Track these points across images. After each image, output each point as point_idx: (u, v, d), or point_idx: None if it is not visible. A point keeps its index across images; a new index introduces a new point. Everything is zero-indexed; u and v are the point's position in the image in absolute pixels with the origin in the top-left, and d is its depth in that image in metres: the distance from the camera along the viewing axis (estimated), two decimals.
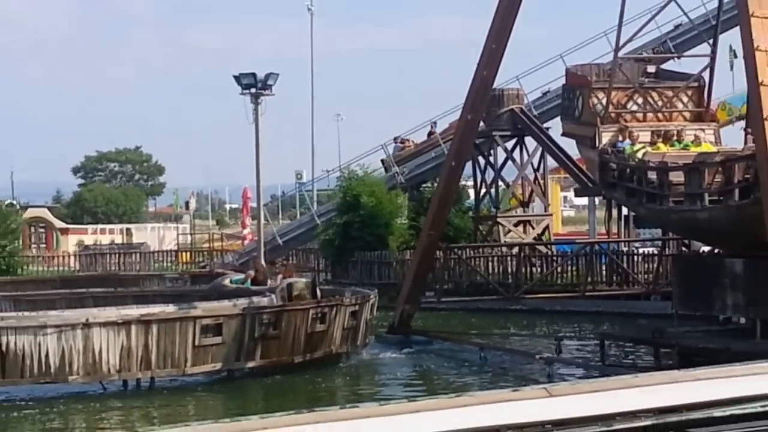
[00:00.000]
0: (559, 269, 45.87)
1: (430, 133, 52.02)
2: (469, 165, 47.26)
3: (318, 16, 67.67)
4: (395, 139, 55.42)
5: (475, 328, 37.34)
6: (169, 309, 28.57)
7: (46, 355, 25.84)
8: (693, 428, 8.63)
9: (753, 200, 23.46)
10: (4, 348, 25.50)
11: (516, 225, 49.71)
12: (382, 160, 54.49)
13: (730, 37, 32.58)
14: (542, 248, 48.17)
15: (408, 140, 55.02)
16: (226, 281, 38.51)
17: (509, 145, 49.83)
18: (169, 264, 60.82)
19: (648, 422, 8.60)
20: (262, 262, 39.05)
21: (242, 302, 29.23)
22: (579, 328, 36.47)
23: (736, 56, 28.20)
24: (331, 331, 29.93)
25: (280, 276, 34.11)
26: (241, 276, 38.70)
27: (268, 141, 44.30)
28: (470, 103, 34.72)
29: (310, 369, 28.99)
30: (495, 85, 38.60)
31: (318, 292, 31.55)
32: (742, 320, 26.61)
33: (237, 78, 32.18)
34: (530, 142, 49.24)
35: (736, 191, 25.28)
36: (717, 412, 8.89)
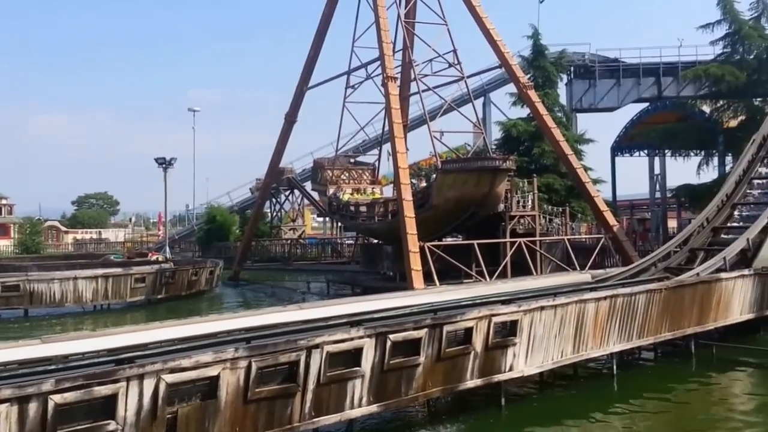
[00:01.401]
0: (309, 250, 48.71)
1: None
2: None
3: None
4: (257, 179, 53.39)
5: (270, 278, 37.95)
6: (118, 269, 29.85)
7: (54, 293, 26.83)
8: (365, 321, 10.19)
9: (397, 219, 24.70)
10: (32, 289, 26.31)
11: (290, 230, 51.71)
12: (251, 189, 54.48)
13: (388, 145, 31.35)
14: (301, 241, 50.39)
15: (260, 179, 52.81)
16: (111, 257, 39.45)
17: (287, 193, 52.02)
18: (120, 249, 59.02)
19: (345, 320, 10.42)
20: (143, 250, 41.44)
21: (156, 266, 30.71)
22: (318, 277, 35.63)
23: (389, 155, 30.37)
24: (200, 279, 31.77)
25: (149, 254, 35.28)
26: (120, 255, 40.35)
27: (172, 188, 46.25)
28: (269, 172, 37.63)
29: (190, 298, 30.49)
30: (281, 165, 41.05)
31: (169, 260, 33.35)
32: (391, 273, 27.94)
33: (156, 159, 33.28)
34: (297, 192, 51.82)
35: (390, 215, 27.64)
36: (376, 315, 11.01)
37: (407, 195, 23.88)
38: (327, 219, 54.42)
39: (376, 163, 35.18)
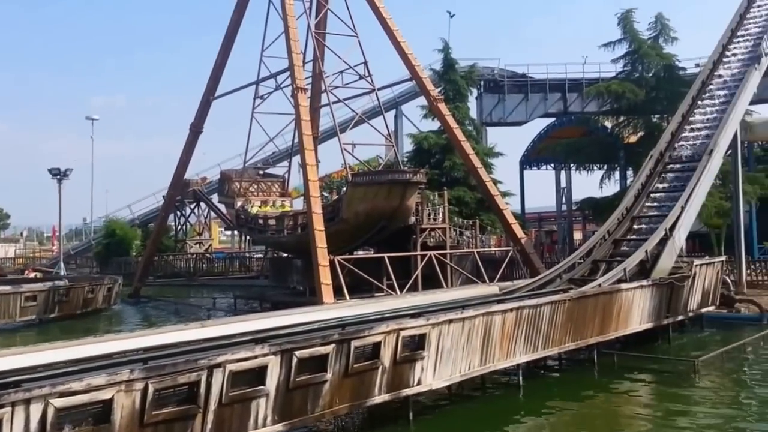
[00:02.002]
0: (216, 265, 48.16)
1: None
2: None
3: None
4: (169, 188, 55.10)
5: (173, 295, 37.48)
6: (7, 287, 28.50)
7: None
8: (271, 338, 10.13)
9: (307, 233, 24.48)
10: None
11: (195, 243, 50.78)
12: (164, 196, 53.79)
13: (298, 157, 30.98)
14: (207, 255, 49.98)
15: None
16: None
17: (193, 206, 50.59)
18: (10, 265, 56.47)
19: (249, 337, 10.28)
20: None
21: (49, 284, 29.79)
22: (225, 293, 35.72)
23: (300, 167, 29.30)
24: (97, 297, 30.75)
25: (27, 271, 34.17)
26: None
27: (68, 200, 44.16)
28: (173, 184, 37.06)
29: (86, 317, 29.46)
30: (187, 176, 40.95)
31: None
32: (301, 287, 27.78)
33: (50, 170, 31.96)
34: (203, 205, 50.23)
35: (300, 228, 27.48)
36: (283, 331, 11.25)
37: (317, 208, 23.88)
38: (235, 232, 53.41)
39: (286, 175, 35.07)
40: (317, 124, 34.27)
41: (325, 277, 22.26)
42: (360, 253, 28.81)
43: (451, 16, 44.36)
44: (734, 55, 27.72)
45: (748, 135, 31.19)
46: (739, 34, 28.75)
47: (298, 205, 34.42)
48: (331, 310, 15.91)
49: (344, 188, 28.55)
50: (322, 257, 22.63)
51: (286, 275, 29.84)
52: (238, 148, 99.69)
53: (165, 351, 9.67)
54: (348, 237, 25.65)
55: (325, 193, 31.07)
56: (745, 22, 29.31)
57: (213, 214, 51.59)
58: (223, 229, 67.23)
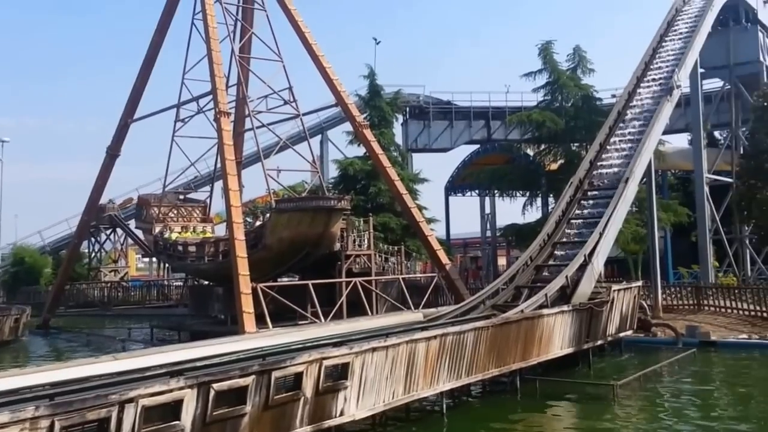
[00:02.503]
0: (132, 293, 46.73)
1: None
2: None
3: None
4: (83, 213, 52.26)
5: (86, 325, 36.21)
6: None
7: None
8: (187, 371, 9.83)
9: (229, 260, 24.06)
10: None
11: (110, 271, 49.28)
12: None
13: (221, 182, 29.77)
14: (123, 283, 48.38)
15: None
16: None
17: (109, 232, 49.02)
18: None
19: (165, 370, 10.10)
20: None
21: None
22: (142, 323, 35.06)
23: (222, 194, 29.59)
24: (3, 328, 29.46)
25: None
26: None
27: None
28: (87, 209, 36.05)
29: None
30: (101, 202, 39.59)
31: None
32: (222, 316, 27.63)
33: None
34: (120, 231, 48.88)
35: (221, 255, 27.32)
36: (201, 363, 10.92)
37: (239, 234, 23.53)
38: (153, 259, 51.97)
39: (208, 200, 34.61)
40: (241, 148, 34.25)
41: (247, 305, 21.91)
42: (284, 280, 28.56)
43: (377, 43, 44.71)
44: (648, 87, 29.05)
45: (661, 163, 33.20)
46: (652, 67, 30.21)
47: (221, 231, 33.95)
48: (252, 339, 15.67)
49: (268, 214, 28.27)
50: (245, 285, 22.29)
51: (207, 303, 29.33)
52: (158, 172, 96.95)
53: (74, 386, 9.26)
54: (271, 264, 25.47)
55: (248, 219, 30.73)
56: (657, 55, 30.84)
57: (130, 241, 50.17)
58: (140, 256, 65.25)
